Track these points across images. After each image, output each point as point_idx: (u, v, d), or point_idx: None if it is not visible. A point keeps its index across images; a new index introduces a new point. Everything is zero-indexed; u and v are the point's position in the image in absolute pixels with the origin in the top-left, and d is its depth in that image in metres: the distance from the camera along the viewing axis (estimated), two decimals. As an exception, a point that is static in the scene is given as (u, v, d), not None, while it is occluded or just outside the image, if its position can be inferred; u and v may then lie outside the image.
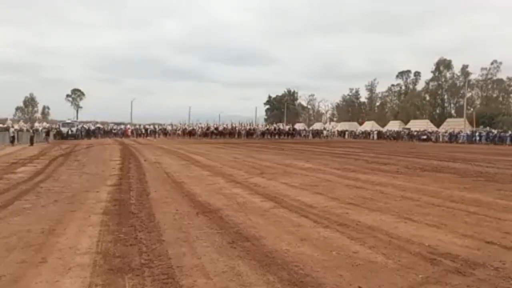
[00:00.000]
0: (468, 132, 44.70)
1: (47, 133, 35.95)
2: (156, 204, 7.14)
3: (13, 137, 28.59)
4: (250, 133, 50.36)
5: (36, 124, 48.89)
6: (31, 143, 27.94)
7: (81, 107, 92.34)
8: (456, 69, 71.08)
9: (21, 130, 34.84)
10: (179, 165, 14.43)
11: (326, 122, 79.58)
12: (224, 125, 53.45)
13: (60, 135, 39.45)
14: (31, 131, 32.23)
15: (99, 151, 22.33)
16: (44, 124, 47.35)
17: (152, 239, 4.93)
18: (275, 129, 54.68)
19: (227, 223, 5.86)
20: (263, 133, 51.37)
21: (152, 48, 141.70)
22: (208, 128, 50.01)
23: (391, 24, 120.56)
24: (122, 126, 55.03)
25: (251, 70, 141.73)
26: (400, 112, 74.44)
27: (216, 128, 50.85)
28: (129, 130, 50.49)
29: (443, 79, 73.06)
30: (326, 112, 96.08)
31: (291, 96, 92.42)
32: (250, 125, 55.41)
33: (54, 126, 46.09)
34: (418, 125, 56.24)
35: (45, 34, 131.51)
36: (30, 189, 8.84)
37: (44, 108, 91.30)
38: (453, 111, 70.45)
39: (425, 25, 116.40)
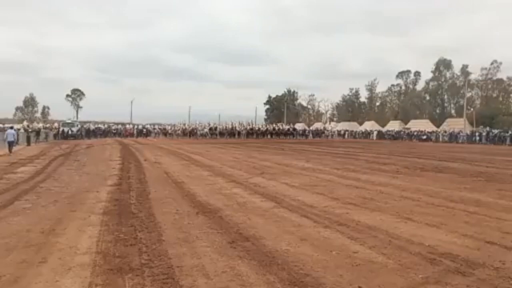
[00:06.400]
0: (468, 132, 44.72)
1: (39, 133, 35.93)
2: (156, 204, 7.13)
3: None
4: (250, 133, 50.40)
5: (41, 125, 49.00)
6: (28, 143, 27.94)
7: (81, 107, 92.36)
8: (456, 69, 71.23)
9: (34, 130, 35.14)
10: (179, 165, 14.43)
11: (326, 122, 79.52)
12: (225, 125, 53.43)
13: (60, 135, 39.51)
14: (28, 131, 32.32)
15: (99, 151, 22.33)
16: (55, 124, 47.32)
17: (152, 239, 4.93)
18: (274, 129, 54.66)
19: (227, 223, 5.86)
20: (263, 133, 51.36)
21: (152, 48, 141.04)
22: (210, 128, 50.04)
23: (391, 24, 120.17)
24: (122, 126, 55.09)
25: (251, 70, 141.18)
26: (400, 112, 74.47)
27: (216, 128, 50.88)
28: (133, 130, 50.60)
29: (443, 79, 73.11)
30: (326, 112, 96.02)
31: (291, 96, 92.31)
32: (249, 124, 55.38)
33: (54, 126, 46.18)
34: (418, 125, 56.25)
35: (45, 34, 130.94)
36: (30, 189, 8.84)
37: (44, 108, 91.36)
38: (453, 111, 70.44)
39: (425, 25, 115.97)
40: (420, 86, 77.86)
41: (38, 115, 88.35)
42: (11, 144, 20.02)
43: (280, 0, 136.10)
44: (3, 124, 48.30)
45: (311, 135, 55.41)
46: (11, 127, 23.84)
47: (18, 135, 24.38)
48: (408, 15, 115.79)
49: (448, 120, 58.69)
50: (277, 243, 4.86)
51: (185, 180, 10.34)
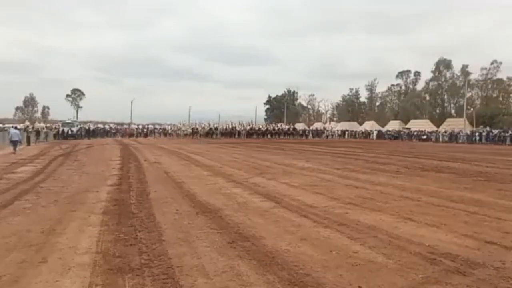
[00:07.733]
0: (468, 132, 44.68)
1: (39, 133, 36.00)
2: (156, 204, 7.13)
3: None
4: (250, 133, 50.42)
5: (42, 124, 49.10)
6: (28, 143, 27.97)
7: (81, 107, 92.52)
8: (456, 69, 71.05)
9: (34, 130, 35.38)
10: (179, 165, 14.43)
11: (326, 122, 79.52)
12: (226, 125, 53.47)
13: (60, 135, 39.55)
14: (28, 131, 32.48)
15: (99, 151, 22.33)
16: (58, 124, 47.47)
17: (152, 239, 4.93)
18: (274, 129, 54.67)
19: (227, 223, 5.85)
20: (263, 133, 51.38)
21: (152, 48, 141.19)
22: (210, 129, 50.09)
23: (391, 24, 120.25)
24: (126, 126, 55.17)
25: (251, 70, 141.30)
26: (400, 112, 74.41)
27: (216, 128, 50.90)
28: (134, 130, 50.71)
29: (443, 79, 73.01)
30: (326, 112, 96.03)
31: (291, 96, 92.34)
32: (249, 124, 55.43)
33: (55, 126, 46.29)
34: (418, 125, 56.22)
35: (45, 34, 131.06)
36: (30, 189, 8.84)
37: (44, 108, 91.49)
38: (453, 111, 70.36)
39: (425, 25, 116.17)
40: (420, 86, 77.88)
41: (38, 115, 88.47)
42: (16, 144, 20.68)
43: (280, 0, 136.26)
44: (3, 124, 48.37)
45: (311, 135, 55.42)
46: (15, 127, 24.22)
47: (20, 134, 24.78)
48: (408, 15, 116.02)
49: (448, 120, 58.62)
50: (277, 243, 4.86)
51: (185, 180, 10.34)
